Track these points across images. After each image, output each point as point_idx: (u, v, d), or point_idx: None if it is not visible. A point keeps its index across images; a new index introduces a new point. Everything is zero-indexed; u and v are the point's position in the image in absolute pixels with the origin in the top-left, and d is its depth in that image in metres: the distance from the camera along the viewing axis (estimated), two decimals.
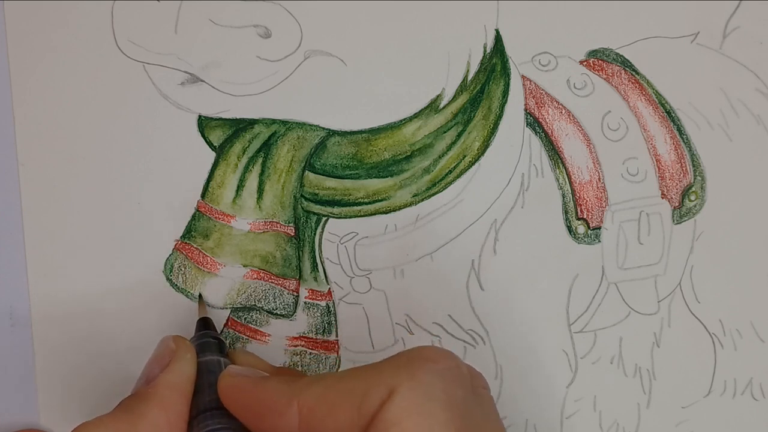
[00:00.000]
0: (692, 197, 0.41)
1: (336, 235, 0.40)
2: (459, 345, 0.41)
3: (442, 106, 0.41)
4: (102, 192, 0.40)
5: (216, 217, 0.40)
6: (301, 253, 0.40)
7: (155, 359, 0.35)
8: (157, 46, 0.40)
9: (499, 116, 0.41)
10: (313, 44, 0.40)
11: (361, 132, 0.40)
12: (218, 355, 0.36)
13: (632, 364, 0.41)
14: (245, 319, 0.40)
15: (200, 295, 0.40)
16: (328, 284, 0.40)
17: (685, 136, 0.41)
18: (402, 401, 0.29)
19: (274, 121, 0.40)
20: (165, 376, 0.34)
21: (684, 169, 0.41)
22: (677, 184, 0.41)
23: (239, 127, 0.40)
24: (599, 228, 0.41)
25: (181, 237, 0.40)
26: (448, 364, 0.31)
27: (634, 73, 0.41)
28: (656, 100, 0.41)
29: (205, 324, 0.38)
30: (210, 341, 0.36)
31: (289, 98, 0.40)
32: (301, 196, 0.40)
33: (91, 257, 0.40)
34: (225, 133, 0.40)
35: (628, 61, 0.41)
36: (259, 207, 0.40)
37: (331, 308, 0.40)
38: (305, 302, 0.40)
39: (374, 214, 0.40)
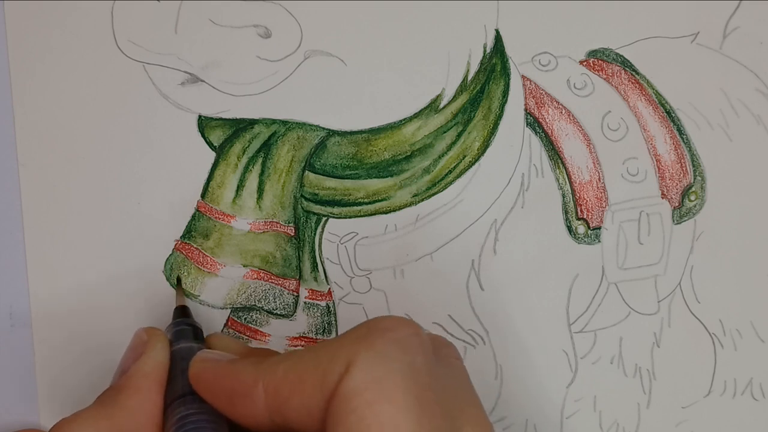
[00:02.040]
0: (692, 197, 0.41)
1: (336, 235, 0.40)
2: (459, 345, 0.40)
3: (442, 106, 0.41)
4: (102, 192, 0.40)
5: (216, 217, 0.40)
6: (301, 253, 0.40)
7: (129, 351, 0.36)
8: (157, 46, 0.40)
9: (499, 116, 0.41)
10: (313, 44, 0.40)
11: (361, 132, 0.40)
12: (192, 342, 0.36)
13: (632, 364, 0.41)
14: (245, 319, 0.40)
15: (179, 281, 0.39)
16: (328, 284, 0.40)
17: (685, 136, 0.41)
18: (360, 372, 0.28)
19: (274, 121, 0.40)
20: (138, 366, 0.34)
21: (684, 169, 0.41)
22: (677, 184, 0.41)
23: (239, 127, 0.40)
24: (599, 228, 0.41)
25: (181, 237, 0.40)
26: (406, 331, 0.30)
27: (634, 73, 0.41)
28: (656, 100, 0.41)
29: (181, 312, 0.38)
30: (185, 328, 0.37)
31: (289, 98, 0.40)
32: (301, 196, 0.40)
33: (91, 257, 0.40)
34: (225, 133, 0.40)
35: (628, 61, 0.42)
36: (259, 207, 0.40)
37: (331, 308, 0.40)
38: (305, 302, 0.40)
39: (374, 214, 0.40)
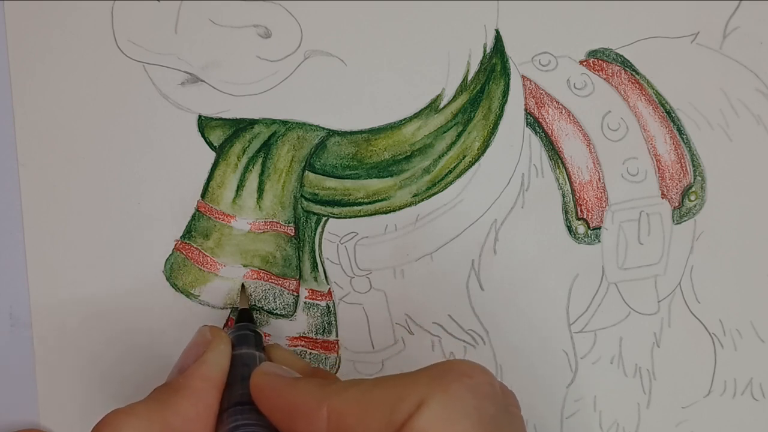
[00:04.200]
0: (692, 197, 0.41)
1: (336, 235, 0.40)
2: (459, 345, 0.41)
3: (442, 106, 0.41)
4: (102, 192, 0.40)
5: (216, 217, 0.40)
6: (301, 253, 0.40)
7: (190, 349, 0.35)
8: (157, 46, 0.40)
9: (499, 116, 0.41)
10: (313, 44, 0.40)
11: (361, 132, 0.40)
12: (255, 349, 0.36)
13: (632, 364, 0.41)
14: None
15: (243, 285, 0.39)
16: (328, 284, 0.40)
17: (685, 136, 0.41)
18: (432, 413, 0.28)
19: (274, 121, 0.40)
20: (198, 367, 0.34)
21: (684, 169, 0.41)
22: (677, 184, 0.41)
23: (239, 127, 0.40)
24: (599, 228, 0.41)
25: (181, 237, 0.40)
26: (481, 379, 0.30)
27: (634, 73, 0.41)
28: (656, 100, 0.41)
29: (244, 316, 0.38)
30: (248, 334, 0.36)
31: (289, 98, 0.40)
32: (301, 196, 0.40)
33: (91, 257, 0.40)
34: (225, 133, 0.40)
35: (628, 61, 0.41)
36: (259, 207, 0.40)
37: (331, 308, 0.40)
38: (305, 302, 0.40)
39: (374, 214, 0.40)
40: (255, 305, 0.40)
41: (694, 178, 0.41)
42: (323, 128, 0.40)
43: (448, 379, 0.30)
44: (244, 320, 0.37)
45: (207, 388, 0.33)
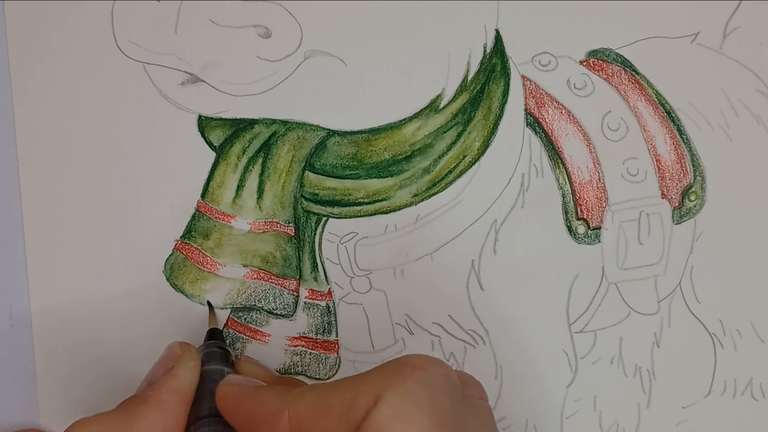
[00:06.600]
0: (692, 197, 0.41)
1: (336, 235, 0.40)
2: (459, 345, 0.41)
3: (442, 106, 0.41)
4: (102, 192, 0.40)
5: (216, 217, 0.40)
6: (301, 253, 0.40)
7: (160, 363, 0.36)
8: (157, 46, 0.40)
9: (499, 116, 0.41)
10: (313, 44, 0.40)
11: (361, 132, 0.40)
12: (222, 365, 0.36)
13: (632, 364, 0.41)
14: (245, 319, 0.40)
15: (210, 304, 0.40)
16: (328, 284, 0.40)
17: (685, 136, 0.41)
18: (387, 409, 0.29)
19: (274, 121, 0.40)
20: (167, 380, 0.34)
21: (684, 169, 0.41)
22: (677, 184, 0.41)
23: (239, 127, 0.40)
24: (599, 228, 0.41)
25: (181, 237, 0.40)
26: (435, 371, 0.31)
27: (634, 73, 0.41)
28: (656, 100, 0.41)
29: (213, 334, 0.38)
30: (216, 351, 0.37)
31: (289, 98, 0.40)
32: (301, 196, 0.40)
33: (91, 257, 0.40)
34: (225, 133, 0.40)
35: (628, 61, 0.42)
36: (259, 207, 0.40)
37: (331, 308, 0.40)
38: (305, 302, 0.40)
39: (374, 214, 0.40)
40: (255, 305, 0.40)
41: (694, 178, 0.41)
42: (323, 128, 0.40)
43: (401, 374, 0.30)
44: (214, 339, 0.38)
45: (175, 401, 0.34)
